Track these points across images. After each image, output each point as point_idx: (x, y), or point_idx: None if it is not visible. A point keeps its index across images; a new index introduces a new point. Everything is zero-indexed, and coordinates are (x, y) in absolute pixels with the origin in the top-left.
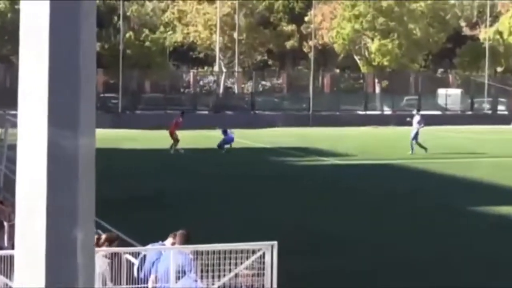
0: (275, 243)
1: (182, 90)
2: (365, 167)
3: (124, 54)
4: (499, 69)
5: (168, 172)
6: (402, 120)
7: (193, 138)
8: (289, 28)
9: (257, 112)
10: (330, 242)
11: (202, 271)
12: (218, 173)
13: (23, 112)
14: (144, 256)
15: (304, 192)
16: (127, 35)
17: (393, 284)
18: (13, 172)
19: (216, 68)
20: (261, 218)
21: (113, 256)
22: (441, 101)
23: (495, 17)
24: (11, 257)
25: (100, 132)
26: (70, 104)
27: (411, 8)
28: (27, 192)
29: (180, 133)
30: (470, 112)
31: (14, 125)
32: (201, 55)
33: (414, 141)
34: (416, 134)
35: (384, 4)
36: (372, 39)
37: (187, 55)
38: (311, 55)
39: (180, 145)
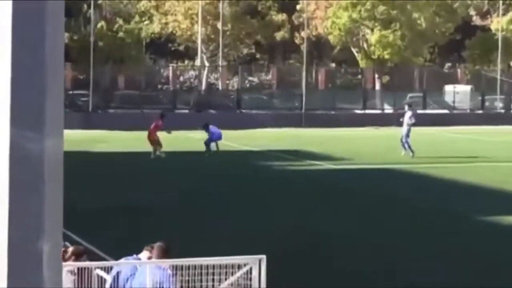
0: (263, 257)
1: (160, 86)
2: (363, 172)
3: (95, 46)
4: None
5: (144, 178)
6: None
7: (173, 140)
8: (279, 17)
9: (243, 111)
10: (323, 253)
11: None
12: (199, 179)
13: None
14: (118, 273)
15: (296, 200)
16: (99, 25)
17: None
18: None
19: (197, 62)
20: (246, 230)
21: (81, 272)
22: (448, 98)
23: (509, 5)
24: None
25: (68, 133)
26: (35, 102)
27: None
28: None
29: (159, 135)
30: (480, 111)
31: None
32: (181, 47)
33: (405, 139)
34: (408, 131)
35: None
36: (372, 30)
37: (166, 47)
38: (304, 48)
39: (161, 149)
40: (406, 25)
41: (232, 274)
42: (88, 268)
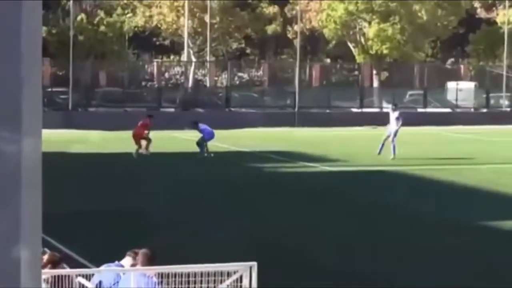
0: (254, 264)
1: (143, 83)
2: (359, 175)
3: (75, 40)
4: None
5: (127, 180)
6: (404, 119)
7: (158, 141)
8: (271, 10)
9: (232, 109)
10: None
11: None
12: (185, 181)
13: None
14: (100, 282)
15: (289, 203)
16: (78, 18)
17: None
18: None
19: (184, 58)
20: (236, 234)
21: (57, 281)
22: (451, 96)
23: None
24: None
25: (46, 133)
26: (11, 100)
27: None
28: None
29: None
30: (485, 110)
31: None
32: (167, 42)
33: (392, 141)
34: (396, 133)
35: None
36: (369, 23)
37: (150, 42)
38: (297, 42)
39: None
40: (406, 18)
41: (221, 282)
42: (68, 276)
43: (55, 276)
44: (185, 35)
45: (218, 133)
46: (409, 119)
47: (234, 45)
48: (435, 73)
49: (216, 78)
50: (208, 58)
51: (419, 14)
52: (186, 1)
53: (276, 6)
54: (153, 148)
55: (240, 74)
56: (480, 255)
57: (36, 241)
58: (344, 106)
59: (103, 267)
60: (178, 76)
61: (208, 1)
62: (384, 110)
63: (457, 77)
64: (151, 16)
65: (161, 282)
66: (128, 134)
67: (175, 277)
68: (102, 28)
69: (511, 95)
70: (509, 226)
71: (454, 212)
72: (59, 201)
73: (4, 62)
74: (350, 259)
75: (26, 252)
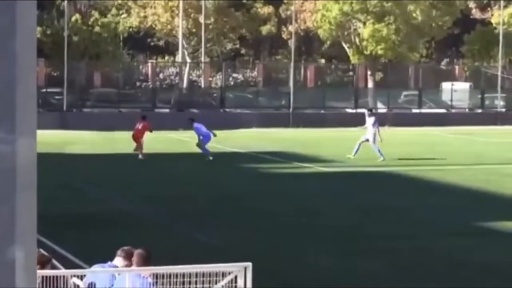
0: (249, 264)
1: (138, 84)
2: (353, 175)
3: (69, 41)
4: None
5: (121, 182)
6: (399, 120)
7: (152, 141)
8: (265, 10)
9: (227, 110)
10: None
11: None
12: (179, 182)
13: None
14: (94, 284)
15: (283, 203)
16: (73, 18)
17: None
18: None
19: (178, 58)
20: (230, 235)
21: (45, 282)
22: (445, 97)
23: None
24: None
25: (41, 134)
26: (5, 101)
27: None
28: None
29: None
30: (480, 110)
31: None
32: (161, 42)
33: (375, 145)
34: (374, 137)
35: None
36: (364, 24)
37: (144, 42)
38: (292, 43)
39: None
40: (401, 18)
41: (216, 283)
42: (63, 276)
43: (48, 276)
44: (180, 36)
45: None
46: (404, 120)
47: (229, 46)
48: (430, 73)
49: (210, 79)
50: (202, 59)
51: (414, 14)
52: (181, 2)
53: (270, 6)
54: (147, 149)
55: (234, 74)
56: (470, 254)
57: (30, 242)
58: (338, 107)
59: (98, 268)
60: (172, 77)
61: (203, 2)
62: (379, 111)
63: (452, 77)
64: (145, 17)
65: (156, 282)
66: (122, 134)
67: (170, 277)
68: (97, 28)
69: (506, 95)
70: (502, 227)
71: (450, 213)
72: (52, 201)
73: None
74: (348, 259)
75: (21, 252)
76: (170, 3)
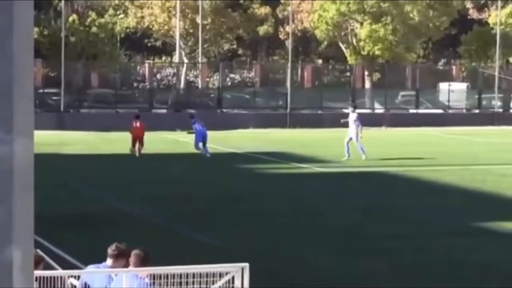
0: (246, 265)
1: (135, 84)
2: (351, 175)
3: (66, 42)
4: (511, 60)
5: (120, 182)
6: (396, 120)
7: (150, 142)
8: (262, 10)
9: (224, 110)
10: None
11: None
12: (177, 183)
13: None
14: (85, 284)
15: (281, 204)
16: (70, 19)
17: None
18: None
19: (176, 59)
20: (228, 236)
21: (42, 283)
22: (443, 97)
23: None
24: None
25: (38, 134)
26: (2, 101)
27: None
28: None
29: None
30: (477, 111)
31: None
32: (158, 43)
33: (358, 143)
34: (357, 135)
35: None
36: (361, 24)
37: (142, 43)
38: (289, 43)
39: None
40: (398, 18)
41: (214, 283)
42: (60, 277)
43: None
44: (177, 36)
45: (210, 134)
46: (401, 120)
47: (226, 46)
48: (427, 74)
49: (208, 79)
50: (200, 59)
51: (411, 15)
52: (178, 2)
53: (267, 7)
54: (145, 149)
55: (232, 75)
56: (469, 254)
57: (28, 241)
58: (335, 107)
59: (93, 268)
60: (170, 77)
61: (200, 2)
62: (376, 111)
63: (449, 78)
64: (142, 17)
65: (154, 283)
66: (119, 135)
67: (167, 278)
68: (94, 29)
69: (503, 96)
70: (499, 227)
71: (448, 213)
72: (48, 202)
73: None
74: (347, 259)
75: (18, 252)
76: (167, 4)
